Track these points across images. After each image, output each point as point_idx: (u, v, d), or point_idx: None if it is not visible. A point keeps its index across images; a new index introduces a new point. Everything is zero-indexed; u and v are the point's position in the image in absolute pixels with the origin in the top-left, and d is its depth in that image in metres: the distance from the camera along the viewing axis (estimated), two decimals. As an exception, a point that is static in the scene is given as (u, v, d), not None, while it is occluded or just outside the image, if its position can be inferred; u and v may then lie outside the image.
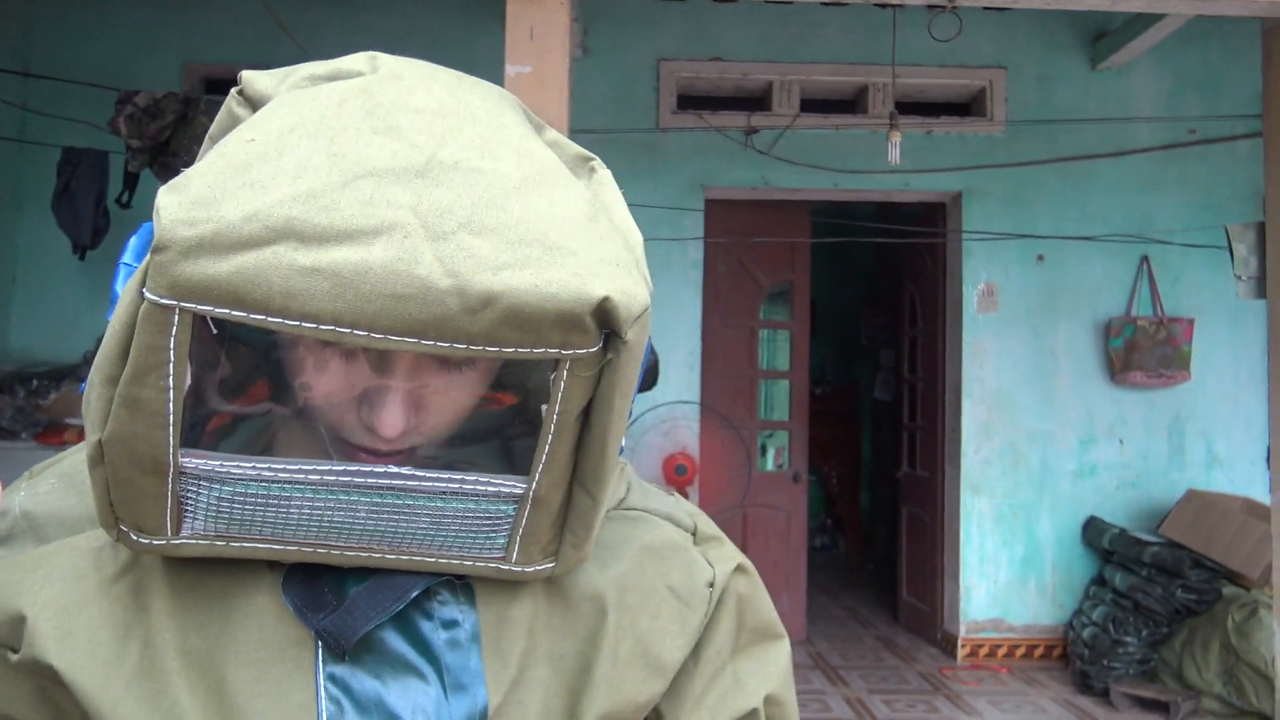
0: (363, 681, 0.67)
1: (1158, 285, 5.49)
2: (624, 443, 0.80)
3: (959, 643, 5.45)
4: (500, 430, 0.73)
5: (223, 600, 0.67)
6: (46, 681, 0.67)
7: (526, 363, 0.62)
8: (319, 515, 0.63)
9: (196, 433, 0.65)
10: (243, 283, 0.53)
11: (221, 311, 0.54)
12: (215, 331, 0.61)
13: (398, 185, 0.56)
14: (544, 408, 0.62)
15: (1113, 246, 5.48)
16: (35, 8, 5.31)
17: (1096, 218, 5.50)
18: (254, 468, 0.62)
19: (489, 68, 4.89)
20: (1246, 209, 5.37)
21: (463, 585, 0.72)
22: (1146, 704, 4.59)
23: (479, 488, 0.65)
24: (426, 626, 0.70)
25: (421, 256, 0.55)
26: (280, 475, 0.62)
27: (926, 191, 5.64)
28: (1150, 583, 4.81)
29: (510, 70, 3.23)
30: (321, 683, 0.66)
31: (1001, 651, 5.44)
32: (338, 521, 0.64)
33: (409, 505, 0.64)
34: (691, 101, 5.66)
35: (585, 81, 5.29)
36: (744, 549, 5.30)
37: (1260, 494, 5.42)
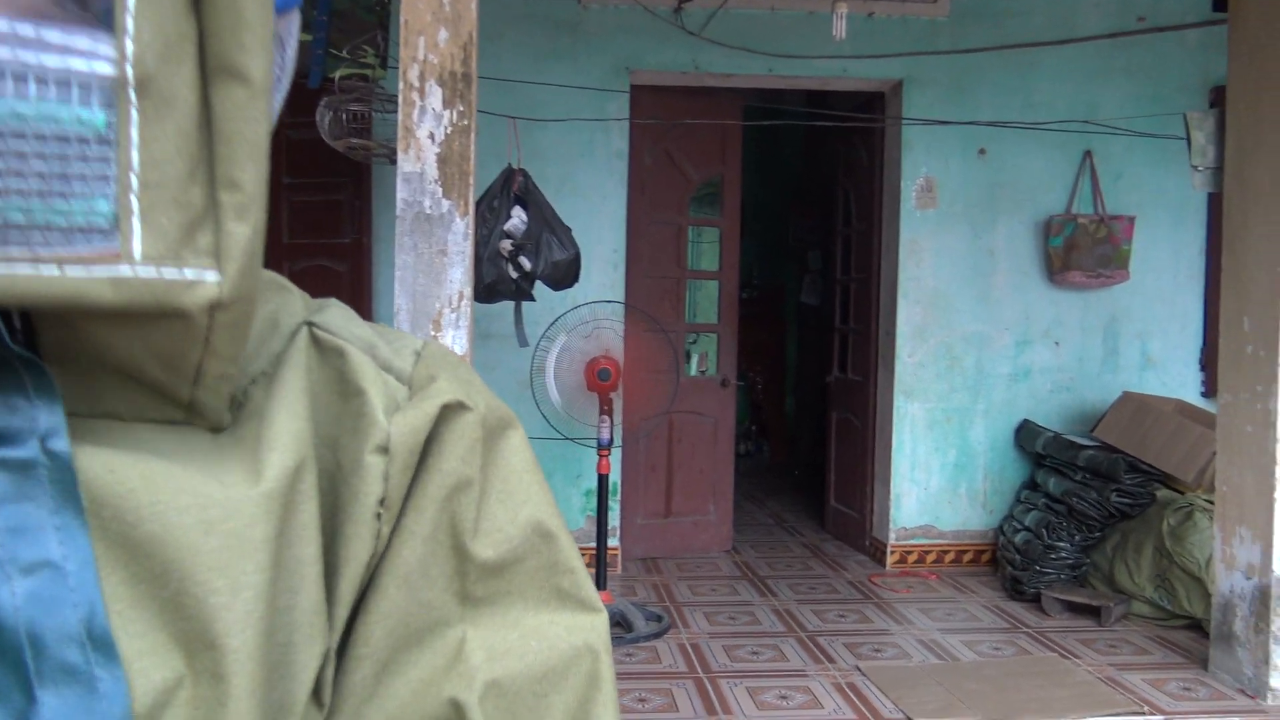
0: None
1: (1100, 182, 5.29)
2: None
3: (888, 549, 5.33)
4: None
5: None
6: None
7: None
8: None
9: None
10: None
11: None
12: None
13: None
14: None
15: (1055, 140, 5.24)
16: None
17: (1040, 108, 5.24)
18: None
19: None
20: (1194, 101, 5.17)
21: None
22: (1078, 609, 4.52)
23: (55, 60, 0.36)
24: None
25: None
26: None
27: (866, 79, 5.30)
28: (1085, 487, 4.71)
29: (407, -91, 2.78)
30: None
31: (930, 558, 5.35)
32: None
33: None
34: (616, -25, 5.19)
35: (498, -52, 4.79)
36: (670, 456, 5.03)
37: (1192, 396, 5.36)
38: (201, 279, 0.39)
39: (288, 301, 0.51)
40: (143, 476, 0.41)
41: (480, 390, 0.51)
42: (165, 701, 0.39)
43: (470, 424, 0.48)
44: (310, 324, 0.49)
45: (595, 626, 0.50)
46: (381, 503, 0.46)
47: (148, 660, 0.39)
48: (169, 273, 0.39)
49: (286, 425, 0.45)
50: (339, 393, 0.47)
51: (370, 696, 0.45)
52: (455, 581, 0.48)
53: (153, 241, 0.38)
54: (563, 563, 0.50)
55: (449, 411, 0.48)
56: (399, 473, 0.46)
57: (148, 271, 0.38)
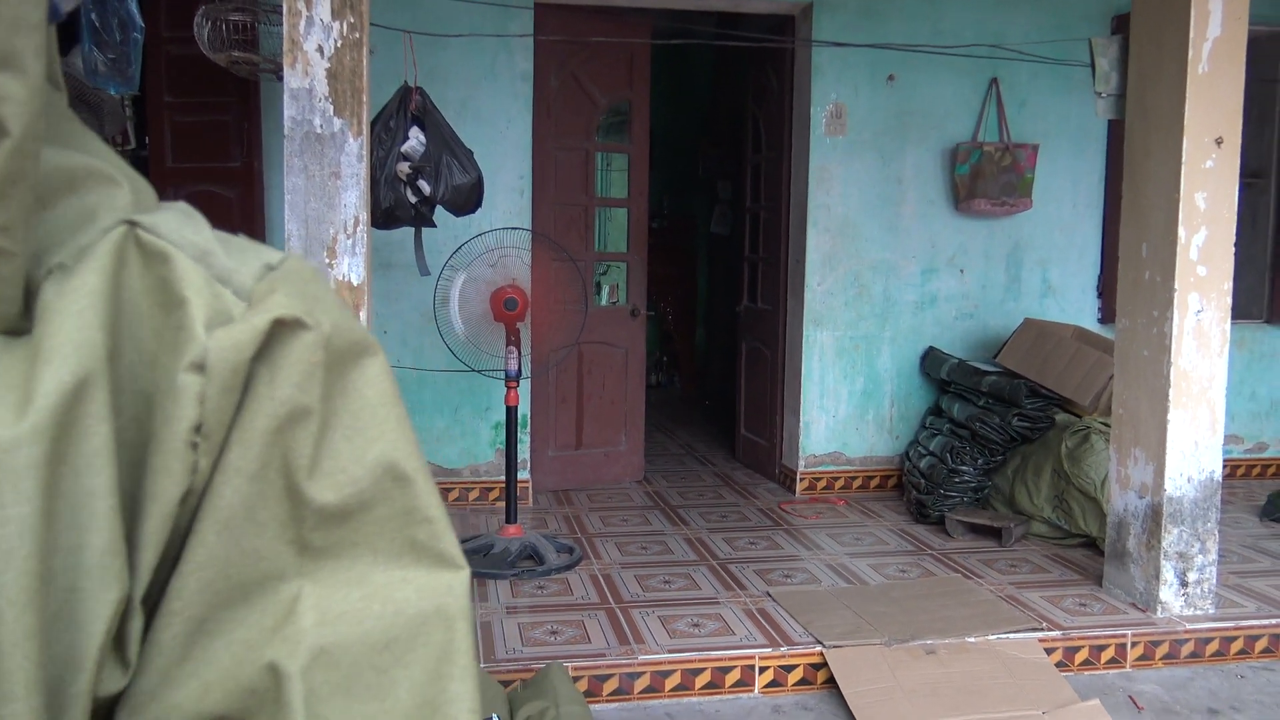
0: None
1: (1005, 109, 5.31)
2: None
3: (798, 477, 5.38)
4: None
5: None
6: None
7: None
8: None
9: None
10: None
11: None
12: None
13: None
14: None
15: (963, 68, 5.23)
16: None
17: (948, 34, 5.22)
18: None
19: None
20: (1097, 29, 5.21)
21: None
22: (979, 530, 4.64)
23: None
24: None
25: None
26: None
27: (776, 1, 5.20)
28: (987, 412, 4.80)
29: None
30: None
31: (839, 484, 5.42)
32: None
33: None
34: (518, -114, 4.95)
35: None
36: (580, 387, 4.96)
37: (1090, 322, 5.49)
38: None
39: (112, 195, 0.42)
40: None
41: (330, 309, 0.42)
42: None
43: (308, 345, 0.40)
44: (132, 223, 0.40)
45: (453, 587, 0.43)
46: (198, 430, 0.38)
47: None
48: None
49: (71, 334, 0.37)
50: (160, 304, 0.39)
51: (183, 659, 0.38)
52: (289, 529, 0.40)
53: None
54: (419, 510, 0.43)
55: (283, 329, 0.40)
56: (218, 395, 0.38)
57: None
